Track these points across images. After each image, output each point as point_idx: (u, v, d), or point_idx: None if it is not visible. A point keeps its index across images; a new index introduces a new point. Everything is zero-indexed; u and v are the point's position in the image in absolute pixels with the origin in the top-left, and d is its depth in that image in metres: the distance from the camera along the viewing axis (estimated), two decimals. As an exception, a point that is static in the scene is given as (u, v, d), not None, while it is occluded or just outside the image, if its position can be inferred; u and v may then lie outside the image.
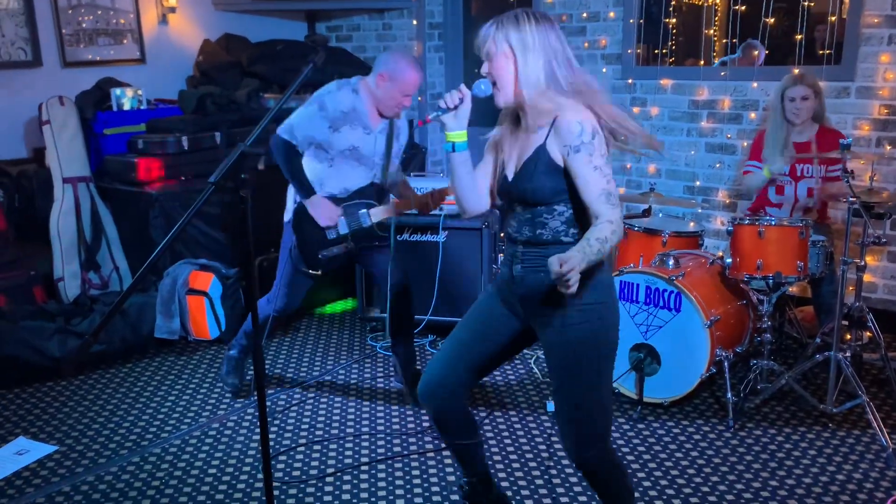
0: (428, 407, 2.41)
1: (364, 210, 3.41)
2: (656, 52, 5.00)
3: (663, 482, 3.04)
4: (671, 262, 3.69)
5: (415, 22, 6.04)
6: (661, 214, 4.62)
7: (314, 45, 2.38)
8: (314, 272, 3.44)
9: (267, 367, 4.19)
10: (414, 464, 3.19)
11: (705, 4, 5.06)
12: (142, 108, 5.11)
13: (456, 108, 2.16)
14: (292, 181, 3.38)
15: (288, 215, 3.50)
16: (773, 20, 4.55)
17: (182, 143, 4.83)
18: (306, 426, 3.52)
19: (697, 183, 5.01)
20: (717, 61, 5.13)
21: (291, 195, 3.48)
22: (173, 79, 5.59)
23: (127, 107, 5.05)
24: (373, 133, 3.36)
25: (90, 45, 5.20)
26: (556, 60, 2.09)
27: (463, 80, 5.66)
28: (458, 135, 2.20)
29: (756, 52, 4.96)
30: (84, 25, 5.15)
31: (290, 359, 4.31)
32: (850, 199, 3.28)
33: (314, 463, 3.21)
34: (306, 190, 3.35)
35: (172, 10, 5.57)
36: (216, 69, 5.47)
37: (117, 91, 5.03)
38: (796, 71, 4.18)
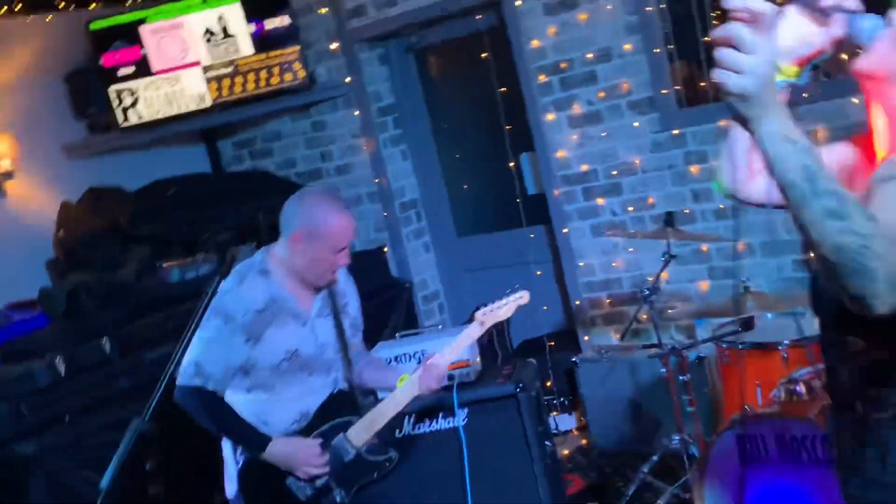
0: None
1: (340, 436, 2.62)
2: (703, 84, 3.95)
3: None
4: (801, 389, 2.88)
5: (357, 112, 4.96)
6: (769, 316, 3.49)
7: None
8: None
9: None
10: None
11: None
12: (-14, 326, 4.08)
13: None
14: (228, 437, 2.64)
15: (230, 488, 2.65)
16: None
17: (57, 369, 3.79)
18: None
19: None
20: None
21: (228, 456, 2.69)
22: (28, 271, 4.51)
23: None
24: (310, 321, 2.68)
25: None
26: None
27: (441, 175, 4.97)
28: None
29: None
30: None
31: None
32: None
33: None
34: (254, 440, 2.57)
35: (9, 175, 4.52)
36: (85, 244, 4.54)
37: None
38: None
